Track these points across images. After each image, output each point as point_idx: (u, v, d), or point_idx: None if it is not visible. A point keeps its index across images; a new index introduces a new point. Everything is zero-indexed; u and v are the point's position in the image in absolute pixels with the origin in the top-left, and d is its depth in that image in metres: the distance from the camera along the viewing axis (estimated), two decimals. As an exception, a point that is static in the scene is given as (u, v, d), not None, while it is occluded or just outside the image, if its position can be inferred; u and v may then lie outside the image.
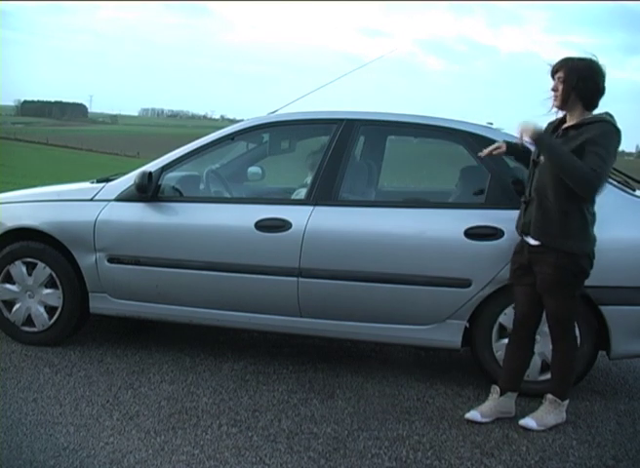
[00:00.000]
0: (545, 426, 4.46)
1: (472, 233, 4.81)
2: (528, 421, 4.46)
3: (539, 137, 4.16)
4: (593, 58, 4.20)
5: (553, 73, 4.26)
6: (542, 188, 4.24)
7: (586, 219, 4.20)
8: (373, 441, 4.17)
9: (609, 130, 4.10)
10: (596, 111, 4.26)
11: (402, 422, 4.46)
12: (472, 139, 5.09)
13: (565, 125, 4.29)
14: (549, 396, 4.52)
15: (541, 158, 4.27)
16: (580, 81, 4.15)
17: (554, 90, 4.25)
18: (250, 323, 5.22)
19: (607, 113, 4.22)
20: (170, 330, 6.03)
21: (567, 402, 4.55)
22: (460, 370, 5.44)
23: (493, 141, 5.00)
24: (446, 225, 4.91)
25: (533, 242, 4.32)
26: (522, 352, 4.58)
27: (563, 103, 4.25)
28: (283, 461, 3.86)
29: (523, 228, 4.39)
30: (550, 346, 4.75)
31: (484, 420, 4.47)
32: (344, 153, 5.17)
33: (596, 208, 4.38)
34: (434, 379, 5.22)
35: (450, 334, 4.95)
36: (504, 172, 5.02)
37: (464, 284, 4.83)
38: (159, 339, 5.82)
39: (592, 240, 4.26)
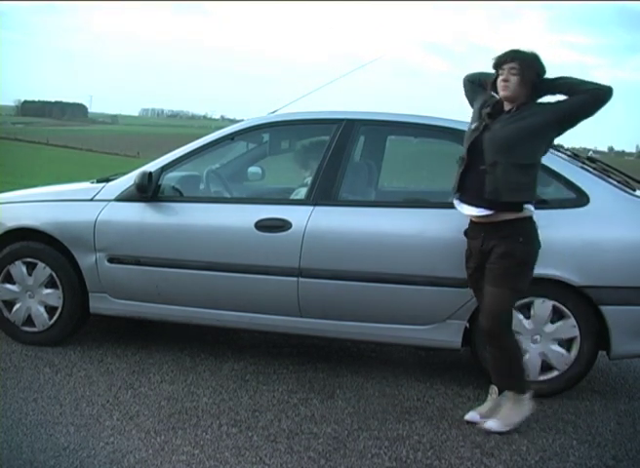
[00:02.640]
0: (512, 425, 4.37)
1: (470, 233, 4.80)
2: (491, 424, 4.39)
3: None
4: (535, 53, 4.32)
5: (502, 64, 4.29)
6: (509, 147, 4.24)
7: (535, 180, 4.32)
8: (373, 441, 4.17)
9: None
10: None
11: (402, 422, 4.46)
12: (473, 139, 5.09)
13: (515, 104, 4.33)
14: (508, 393, 4.42)
15: (496, 124, 4.31)
16: (534, 74, 4.26)
17: (505, 80, 4.26)
18: (250, 323, 5.22)
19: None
20: (170, 330, 6.03)
21: (528, 394, 4.41)
22: (460, 370, 5.44)
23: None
24: (446, 225, 4.90)
25: (479, 212, 4.31)
26: None
27: (514, 94, 4.27)
28: (283, 461, 3.86)
29: (468, 197, 4.39)
30: (551, 346, 4.77)
31: (483, 421, 4.45)
32: (344, 153, 5.17)
33: (597, 208, 4.39)
34: (434, 379, 5.22)
35: (450, 334, 4.95)
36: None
37: (465, 284, 4.82)
38: (159, 339, 5.82)
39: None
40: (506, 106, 4.35)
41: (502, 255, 4.23)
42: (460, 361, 5.64)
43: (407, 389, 5.01)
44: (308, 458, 3.91)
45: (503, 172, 4.21)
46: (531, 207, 4.28)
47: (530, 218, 4.29)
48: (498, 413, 4.40)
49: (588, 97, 4.17)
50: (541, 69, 4.30)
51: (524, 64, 4.23)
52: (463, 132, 5.10)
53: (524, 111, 4.26)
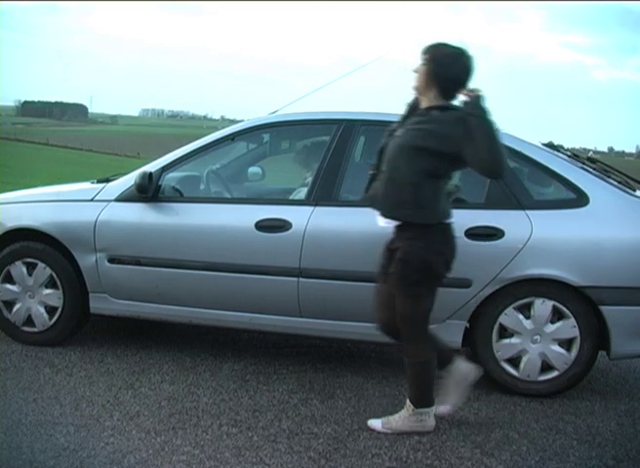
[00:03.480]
0: (392, 430, 4.27)
1: (473, 233, 4.81)
2: (374, 422, 4.35)
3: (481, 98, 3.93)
4: (462, 48, 4.03)
5: (422, 55, 4.10)
6: (394, 160, 4.08)
7: (439, 193, 4.07)
8: (373, 441, 4.17)
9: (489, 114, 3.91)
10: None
11: (402, 422, 4.46)
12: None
13: (423, 105, 4.12)
14: (407, 400, 4.31)
15: (399, 130, 4.16)
16: (438, 67, 4.01)
17: (416, 71, 4.11)
18: (250, 323, 5.22)
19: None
20: (170, 330, 6.04)
21: (427, 410, 4.27)
22: (460, 371, 5.44)
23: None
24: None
25: (384, 222, 4.18)
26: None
27: (419, 85, 4.10)
28: (283, 461, 3.86)
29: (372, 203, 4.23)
30: (551, 347, 4.78)
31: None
32: (345, 153, 5.18)
33: (597, 208, 4.39)
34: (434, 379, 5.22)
35: (450, 334, 4.94)
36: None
37: (465, 284, 4.83)
38: (159, 340, 5.83)
39: (439, 213, 4.07)
40: (421, 105, 4.15)
41: (399, 260, 4.08)
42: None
43: (407, 389, 4.99)
44: (309, 458, 3.91)
45: (383, 184, 4.14)
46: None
47: (440, 224, 4.09)
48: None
49: (479, 170, 4.01)
50: (453, 70, 4.01)
51: (435, 58, 4.02)
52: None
53: (430, 121, 4.02)
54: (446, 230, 4.13)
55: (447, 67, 4.01)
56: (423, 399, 4.27)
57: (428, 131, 3.98)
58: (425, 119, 4.03)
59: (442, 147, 3.94)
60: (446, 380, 4.35)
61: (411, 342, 4.24)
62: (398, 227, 4.14)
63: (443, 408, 4.39)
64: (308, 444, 4.09)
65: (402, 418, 4.29)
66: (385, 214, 4.14)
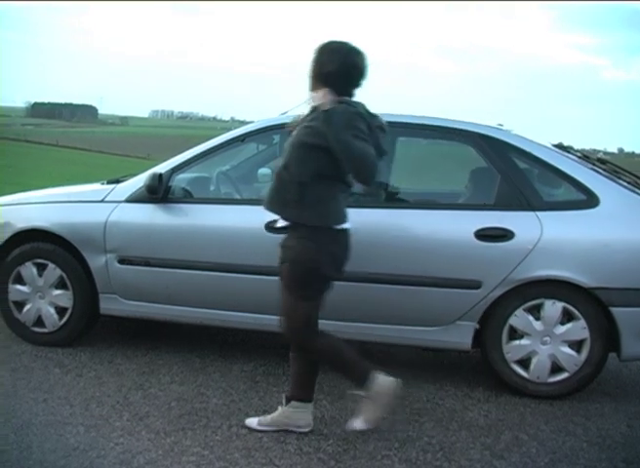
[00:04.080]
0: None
1: (483, 234, 4.81)
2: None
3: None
4: (344, 44, 3.99)
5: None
6: (285, 159, 4.02)
7: (328, 195, 3.96)
8: (382, 442, 4.17)
9: (348, 110, 3.83)
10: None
11: (412, 424, 4.46)
12: (482, 141, 5.10)
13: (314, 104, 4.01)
14: (358, 391, 4.09)
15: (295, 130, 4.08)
16: (318, 64, 3.97)
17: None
18: (260, 324, 5.21)
19: (356, 102, 3.96)
20: (179, 331, 6.04)
21: (308, 405, 4.25)
22: (469, 372, 5.44)
23: (503, 143, 5.03)
24: (456, 227, 4.92)
25: (281, 222, 4.11)
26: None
27: (310, 83, 4.04)
28: (292, 462, 3.86)
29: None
30: (561, 348, 4.77)
31: (260, 428, 4.24)
32: (354, 155, 5.17)
33: (608, 209, 4.37)
34: (444, 381, 5.21)
35: (460, 336, 4.95)
36: (514, 173, 5.02)
37: (475, 285, 4.83)
38: (169, 341, 5.84)
39: (325, 217, 3.95)
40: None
41: (289, 259, 4.03)
42: (470, 362, 5.63)
43: (416, 390, 5.01)
44: (318, 460, 3.91)
45: (273, 183, 4.11)
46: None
47: (330, 229, 3.98)
48: (359, 413, 4.11)
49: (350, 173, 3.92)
50: (332, 65, 3.91)
51: (316, 56, 3.98)
52: (474, 133, 5.12)
53: (318, 118, 3.88)
54: (338, 234, 4.01)
55: (325, 64, 3.94)
56: (360, 376, 4.07)
57: (315, 128, 3.88)
58: (314, 116, 3.93)
59: (327, 145, 3.84)
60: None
61: (298, 341, 4.15)
62: (290, 226, 4.06)
63: (358, 422, 4.10)
64: (318, 445, 4.09)
65: (369, 405, 4.05)
66: (275, 213, 4.09)
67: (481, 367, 5.24)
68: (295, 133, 4.05)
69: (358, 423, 4.09)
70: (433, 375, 5.32)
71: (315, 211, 3.92)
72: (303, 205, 3.92)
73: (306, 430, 4.23)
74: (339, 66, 3.92)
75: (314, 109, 3.96)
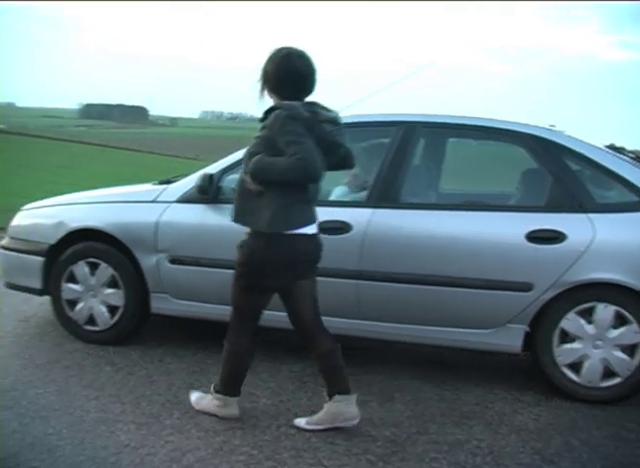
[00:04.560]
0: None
1: (534, 236, 4.77)
2: (300, 421, 4.33)
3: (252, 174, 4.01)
4: (286, 49, 4.09)
5: None
6: (244, 170, 4.11)
7: (280, 202, 3.98)
8: (431, 445, 4.15)
9: (284, 117, 3.89)
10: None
11: (461, 426, 4.43)
12: (534, 142, 5.06)
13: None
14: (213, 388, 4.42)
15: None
16: (263, 71, 4.11)
17: None
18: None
19: (297, 104, 4.00)
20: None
21: (229, 399, 4.33)
22: (519, 375, 5.39)
23: (555, 144, 4.99)
24: (507, 228, 4.88)
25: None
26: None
27: (260, 90, 4.16)
28: (341, 463, 3.86)
29: None
30: (613, 352, 4.71)
31: (309, 427, 4.29)
32: (405, 156, 5.17)
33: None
34: (493, 384, 5.17)
35: (510, 339, 4.91)
36: (566, 174, 4.97)
37: (526, 288, 4.79)
38: (218, 340, 5.81)
39: (282, 221, 4.01)
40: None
41: (239, 255, 4.16)
42: (521, 365, 5.58)
43: (466, 393, 4.98)
44: (367, 461, 3.91)
45: (235, 191, 4.23)
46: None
47: (283, 235, 4.02)
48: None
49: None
50: (271, 70, 4.07)
51: (264, 63, 4.13)
52: (525, 134, 5.08)
53: (264, 126, 4.04)
54: (289, 240, 4.04)
55: (266, 70, 4.10)
56: (226, 386, 4.34)
57: (261, 136, 4.02)
58: (262, 124, 4.06)
59: (272, 152, 3.94)
60: (327, 404, 4.27)
61: (232, 329, 4.32)
62: (249, 233, 4.16)
63: (301, 420, 4.31)
64: (366, 446, 4.08)
65: (209, 399, 4.41)
66: (237, 223, 4.18)
67: (531, 370, 5.18)
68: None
69: (194, 396, 4.51)
70: (483, 378, 5.28)
71: (265, 217, 4.00)
72: (256, 212, 4.03)
73: (355, 422, 4.25)
74: (276, 71, 4.06)
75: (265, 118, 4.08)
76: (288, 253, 4.06)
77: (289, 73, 4.05)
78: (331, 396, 4.27)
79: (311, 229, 4.12)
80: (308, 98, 4.15)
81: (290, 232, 4.02)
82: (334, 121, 4.13)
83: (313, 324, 4.34)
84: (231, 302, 4.30)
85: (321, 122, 4.03)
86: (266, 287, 4.21)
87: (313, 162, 3.84)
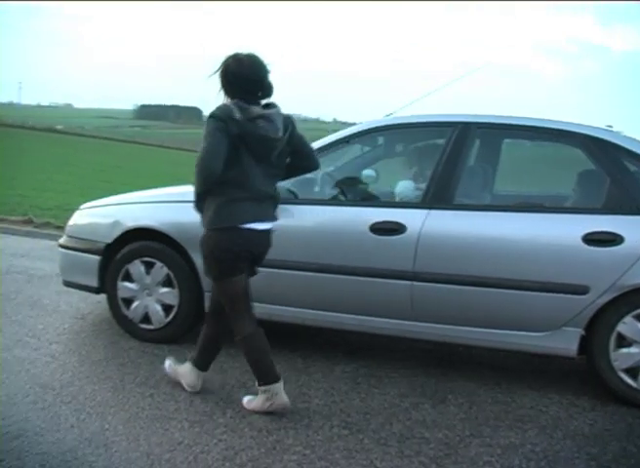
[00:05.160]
0: (251, 408, 4.46)
1: (591, 239, 4.70)
2: (245, 398, 4.56)
3: None
4: (233, 54, 4.34)
5: None
6: None
7: (221, 199, 4.27)
8: (485, 448, 4.12)
9: (208, 118, 4.24)
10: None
11: (515, 430, 4.39)
12: (591, 143, 4.99)
13: None
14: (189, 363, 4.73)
15: None
16: (220, 74, 4.35)
17: None
18: (362, 325, 5.23)
19: (234, 103, 4.24)
20: (282, 330, 6.07)
21: (273, 387, 4.40)
22: (575, 380, 5.32)
23: (613, 145, 4.92)
24: (563, 230, 4.83)
25: None
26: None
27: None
28: (394, 465, 3.85)
29: None
30: None
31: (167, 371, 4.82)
32: (460, 156, 5.14)
33: None
34: (548, 388, 5.12)
35: (565, 342, 4.85)
36: (624, 176, 4.90)
37: (582, 290, 4.73)
38: (271, 340, 5.84)
39: (225, 218, 4.29)
40: None
41: (202, 252, 4.44)
42: (576, 369, 5.50)
43: (520, 397, 4.93)
44: (419, 463, 3.89)
45: None
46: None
47: (229, 228, 4.28)
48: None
49: None
50: (226, 70, 4.32)
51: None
52: (582, 135, 5.01)
53: None
54: (236, 232, 4.29)
55: (220, 72, 4.35)
56: (262, 376, 4.43)
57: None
58: None
59: None
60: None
61: (232, 319, 4.51)
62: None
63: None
64: (419, 448, 4.06)
65: (258, 399, 4.46)
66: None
67: (587, 374, 5.12)
68: None
69: (252, 404, 4.50)
70: (537, 382, 5.23)
71: (212, 215, 4.31)
72: (207, 211, 4.36)
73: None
74: (222, 75, 4.34)
75: None
76: (234, 246, 4.31)
77: (236, 77, 4.29)
78: (193, 363, 4.72)
79: (258, 226, 4.36)
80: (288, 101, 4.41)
81: (235, 226, 4.29)
82: (266, 117, 4.27)
83: (221, 311, 4.59)
84: (219, 295, 4.52)
85: (254, 119, 4.21)
86: (239, 269, 4.41)
87: (206, 161, 4.12)
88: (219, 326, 4.65)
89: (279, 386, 4.41)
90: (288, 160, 4.53)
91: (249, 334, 4.47)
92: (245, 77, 4.28)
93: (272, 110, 4.33)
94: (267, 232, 4.45)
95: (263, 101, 4.37)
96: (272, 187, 4.45)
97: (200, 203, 4.38)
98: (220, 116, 4.17)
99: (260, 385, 4.43)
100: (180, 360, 4.93)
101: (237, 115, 4.15)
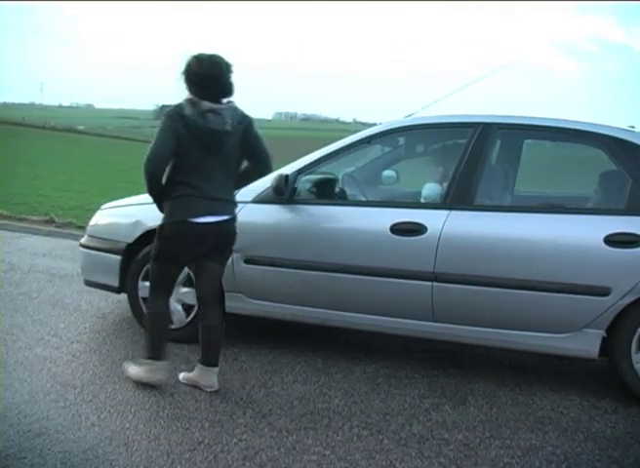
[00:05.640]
0: (128, 375, 4.85)
1: (612, 240, 4.67)
2: (125, 364, 4.97)
3: None
4: (193, 55, 4.55)
5: None
6: None
7: (175, 195, 4.56)
8: (505, 450, 4.10)
9: (163, 117, 4.53)
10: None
11: (535, 432, 4.37)
12: (613, 143, 4.95)
13: None
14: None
15: None
16: (183, 74, 4.56)
17: None
18: (382, 326, 5.23)
19: (186, 100, 4.50)
20: (303, 331, 6.08)
21: (156, 363, 4.72)
22: (596, 382, 5.29)
23: (635, 146, 4.88)
24: (584, 232, 4.80)
25: None
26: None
27: None
28: (414, 466, 3.85)
29: None
30: None
31: (183, 382, 4.89)
32: (481, 157, 5.12)
33: None
34: (569, 389, 5.09)
35: (587, 344, 4.82)
36: (648, 177, 4.87)
37: (603, 292, 4.69)
38: (292, 340, 5.89)
39: (177, 213, 4.57)
40: None
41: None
42: (597, 371, 5.47)
43: (540, 398, 4.91)
44: (439, 464, 3.88)
45: None
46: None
47: (174, 222, 4.58)
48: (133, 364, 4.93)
49: None
50: (187, 70, 4.55)
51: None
52: (604, 136, 4.98)
53: None
54: (185, 227, 4.56)
55: (183, 72, 4.57)
56: (152, 351, 4.73)
57: None
58: None
59: None
60: (196, 367, 4.85)
61: (151, 295, 4.85)
62: None
63: (181, 374, 4.94)
64: (439, 449, 4.06)
65: (137, 364, 4.86)
66: None
67: (608, 376, 5.09)
68: None
69: (131, 369, 4.86)
70: (558, 384, 5.20)
71: (166, 210, 4.64)
72: (165, 207, 4.67)
73: (210, 390, 4.78)
74: (185, 74, 4.56)
75: None
76: (183, 238, 4.60)
77: (197, 76, 4.52)
78: (200, 363, 4.83)
79: (209, 219, 4.57)
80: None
81: (185, 219, 4.54)
82: (215, 111, 4.49)
83: (207, 299, 4.87)
84: (150, 275, 4.87)
85: (204, 113, 4.45)
86: (176, 261, 4.75)
87: (148, 165, 4.48)
88: (219, 313, 4.99)
89: (163, 364, 4.76)
90: (244, 164, 4.81)
91: (159, 312, 4.79)
92: (205, 76, 4.50)
93: (223, 105, 4.54)
94: (223, 223, 4.64)
95: (225, 100, 4.59)
96: (225, 182, 4.67)
97: (159, 204, 4.72)
98: (170, 114, 4.47)
99: (147, 358, 4.75)
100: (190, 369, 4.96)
101: (187, 111, 4.42)
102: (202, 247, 4.63)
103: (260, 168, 4.84)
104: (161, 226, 4.65)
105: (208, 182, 4.54)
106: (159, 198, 4.66)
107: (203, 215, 4.52)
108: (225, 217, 4.64)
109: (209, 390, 4.74)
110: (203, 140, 4.46)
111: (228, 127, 4.49)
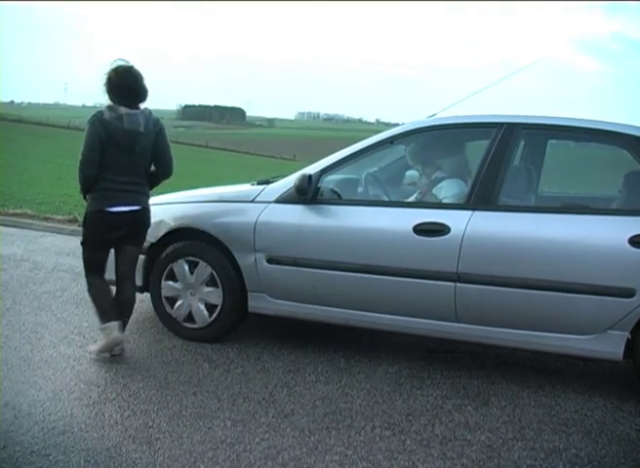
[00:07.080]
0: (93, 352, 5.31)
1: (638, 241, 4.63)
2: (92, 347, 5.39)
3: None
4: (113, 66, 5.18)
5: None
6: None
7: (95, 188, 5.20)
8: (528, 451, 4.08)
9: (87, 123, 5.15)
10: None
11: (559, 434, 4.34)
12: (638, 143, 4.91)
13: None
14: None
15: None
16: (105, 85, 5.21)
17: None
18: (405, 326, 5.21)
19: (106, 106, 5.16)
20: (325, 331, 6.09)
21: (107, 324, 5.19)
22: (621, 383, 5.25)
23: (661, 146, 4.84)
24: (609, 232, 4.76)
25: None
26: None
27: None
28: (436, 467, 3.84)
29: None
30: None
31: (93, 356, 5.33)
32: (504, 157, 5.09)
33: None
34: (593, 391, 5.06)
35: (611, 345, 4.78)
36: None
37: (628, 293, 4.65)
38: (315, 340, 5.89)
39: (95, 203, 5.21)
40: None
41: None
42: (622, 373, 5.44)
43: (564, 400, 4.88)
44: (461, 465, 3.87)
45: None
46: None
47: (91, 212, 5.25)
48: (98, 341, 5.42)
49: None
50: (107, 80, 5.18)
51: None
52: (629, 136, 4.94)
53: None
54: (101, 216, 5.22)
55: (104, 83, 5.21)
56: (103, 316, 5.26)
57: None
58: None
59: None
60: (100, 328, 5.29)
61: (87, 276, 5.40)
62: None
63: (93, 346, 5.37)
64: (462, 451, 4.04)
65: (100, 341, 5.33)
66: None
67: (633, 378, 5.05)
68: None
69: (93, 347, 5.36)
70: (582, 385, 5.17)
71: (88, 201, 5.28)
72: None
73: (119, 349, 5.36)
74: (106, 85, 5.20)
75: None
76: (101, 224, 5.25)
77: (116, 86, 5.15)
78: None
79: (123, 208, 5.21)
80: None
81: (102, 209, 5.18)
82: (131, 115, 5.13)
83: (124, 276, 5.47)
84: (82, 259, 5.41)
85: (120, 116, 5.09)
86: (100, 245, 5.33)
87: (82, 170, 5.15)
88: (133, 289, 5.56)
89: (115, 324, 5.19)
90: (152, 168, 5.43)
91: (95, 283, 5.33)
92: (121, 85, 5.14)
93: (137, 110, 5.19)
94: (135, 212, 5.28)
95: (142, 105, 5.25)
96: (138, 177, 5.28)
97: (85, 197, 5.33)
98: (93, 120, 5.11)
99: (100, 324, 5.24)
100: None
101: (106, 115, 5.08)
102: (118, 231, 5.25)
103: (167, 171, 5.53)
104: (84, 215, 5.34)
105: (123, 177, 5.17)
106: (86, 192, 5.25)
107: (118, 205, 5.18)
108: (137, 207, 5.29)
109: (117, 352, 5.31)
110: (119, 140, 5.08)
111: (141, 128, 5.15)
